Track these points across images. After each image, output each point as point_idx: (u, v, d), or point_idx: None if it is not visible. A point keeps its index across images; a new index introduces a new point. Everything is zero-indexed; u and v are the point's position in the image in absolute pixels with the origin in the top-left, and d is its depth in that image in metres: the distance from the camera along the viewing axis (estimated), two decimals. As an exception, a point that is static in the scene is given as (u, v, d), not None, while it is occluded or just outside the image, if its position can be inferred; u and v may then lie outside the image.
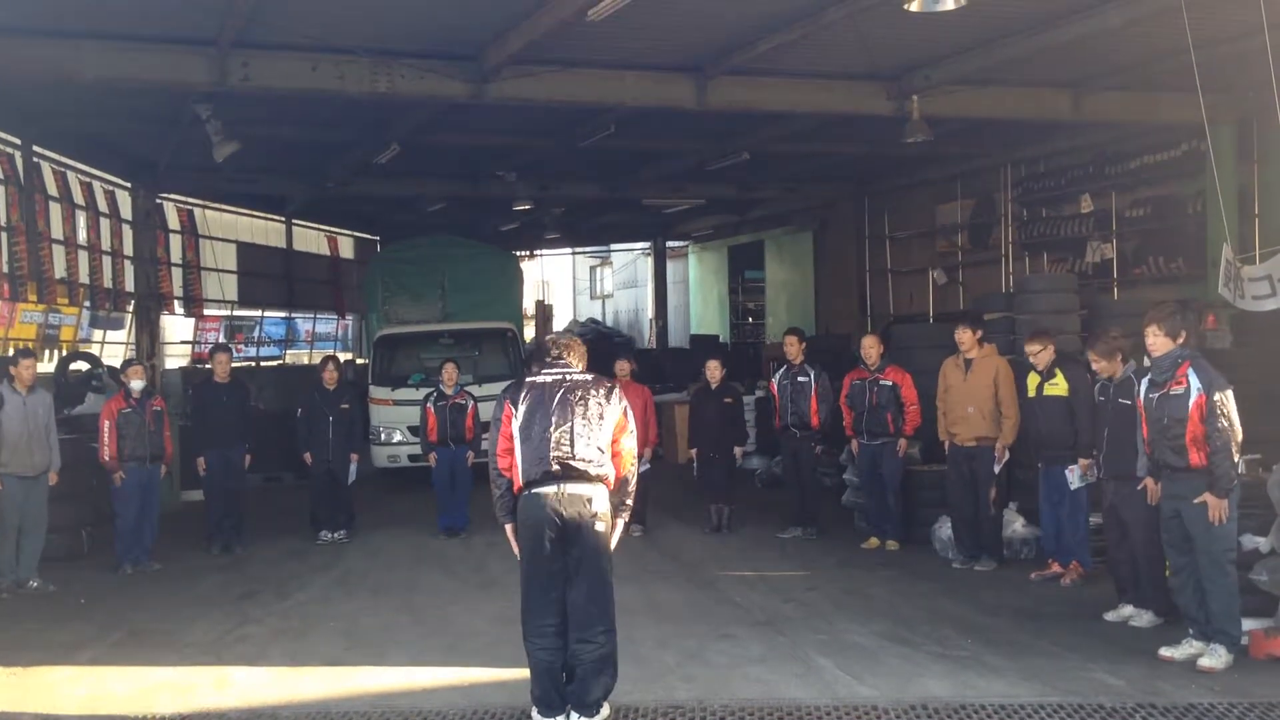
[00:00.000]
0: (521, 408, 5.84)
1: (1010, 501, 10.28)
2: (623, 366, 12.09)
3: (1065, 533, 9.24)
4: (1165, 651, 7.00)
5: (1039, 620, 8.08)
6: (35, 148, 14.60)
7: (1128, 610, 7.96)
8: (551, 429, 5.77)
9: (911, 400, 10.70)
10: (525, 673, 6.13)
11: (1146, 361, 7.30)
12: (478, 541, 11.68)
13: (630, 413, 5.98)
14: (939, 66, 11.77)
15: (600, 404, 5.84)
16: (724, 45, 11.16)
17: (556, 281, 38.86)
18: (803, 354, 11.56)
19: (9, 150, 14.03)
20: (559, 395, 5.83)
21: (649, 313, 32.74)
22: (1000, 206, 17.85)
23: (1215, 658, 6.75)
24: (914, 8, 8.69)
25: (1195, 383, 6.84)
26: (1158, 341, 7.06)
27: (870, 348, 11.02)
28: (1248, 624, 6.99)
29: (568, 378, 5.90)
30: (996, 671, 6.82)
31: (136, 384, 10.76)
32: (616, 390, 5.95)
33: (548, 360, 5.97)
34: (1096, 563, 9.13)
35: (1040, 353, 9.16)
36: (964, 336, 9.97)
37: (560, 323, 30.63)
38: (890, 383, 10.76)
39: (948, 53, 11.48)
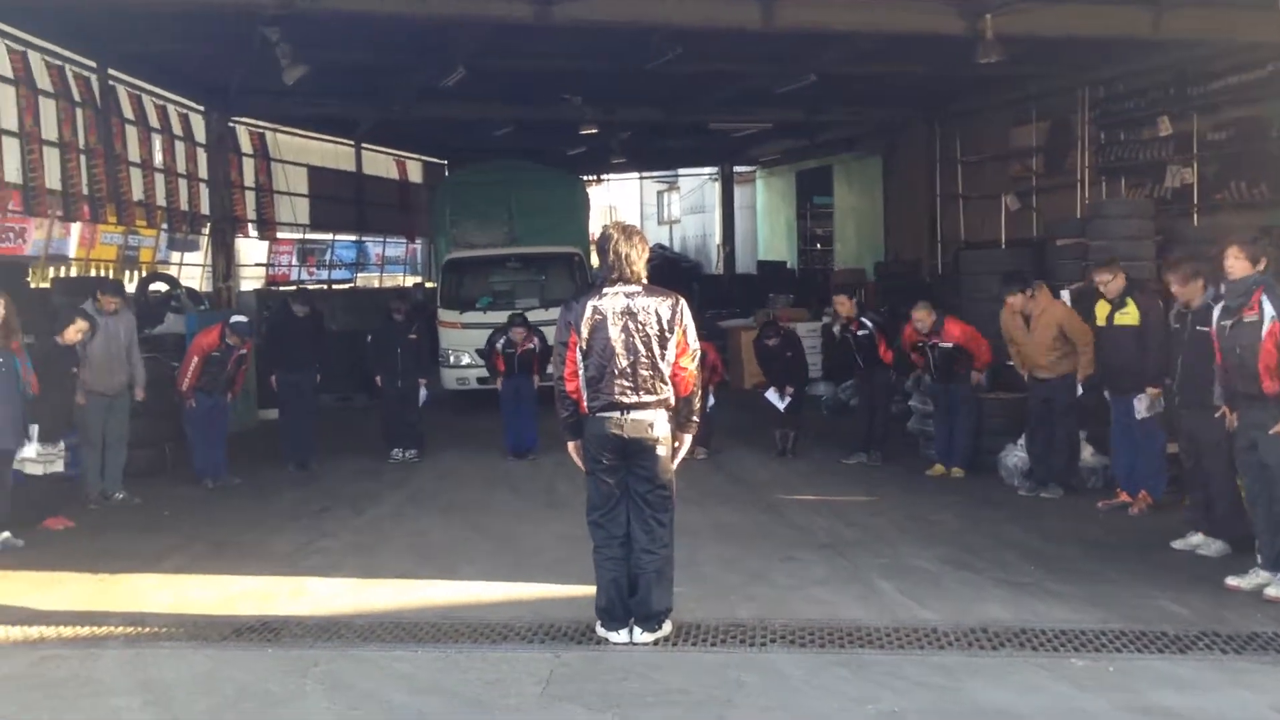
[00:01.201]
0: (585, 331, 5.89)
1: (1080, 430, 10.18)
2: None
3: (1140, 462, 9.15)
4: (1232, 580, 6.95)
5: (1104, 548, 8.05)
6: (111, 71, 14.81)
7: (1196, 539, 7.89)
8: (615, 358, 5.83)
9: (978, 349, 10.60)
10: (590, 590, 6.29)
11: (1224, 289, 7.16)
12: (545, 462, 11.86)
13: (692, 332, 5.99)
14: (1015, -16, 11.48)
15: (662, 327, 5.87)
16: (792, -36, 10.98)
17: (623, 206, 38.75)
18: (854, 308, 11.55)
19: (86, 74, 14.24)
20: (622, 322, 5.86)
21: (716, 238, 32.60)
22: (1076, 129, 17.40)
23: (1282, 587, 6.70)
24: (990, -76, 8.47)
25: (1269, 310, 6.69)
26: (1237, 265, 6.91)
27: (923, 317, 10.69)
28: (1320, 555, 6.91)
29: (631, 300, 5.91)
30: (1059, 598, 6.83)
31: (233, 342, 10.97)
32: (680, 307, 5.94)
33: (613, 276, 5.95)
34: (1166, 492, 9.05)
35: (1110, 282, 8.99)
36: (1014, 301, 9.83)
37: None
38: (950, 345, 10.62)
39: (1023, -31, 11.19)
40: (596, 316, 5.89)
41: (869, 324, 11.40)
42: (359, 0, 10.99)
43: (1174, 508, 8.59)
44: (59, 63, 13.59)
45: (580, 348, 5.90)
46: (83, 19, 12.82)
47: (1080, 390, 9.69)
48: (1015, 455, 10.27)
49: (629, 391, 5.84)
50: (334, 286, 22.92)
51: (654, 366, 5.86)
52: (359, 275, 25.27)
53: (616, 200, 38.24)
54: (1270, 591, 6.71)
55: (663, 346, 5.87)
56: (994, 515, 9.18)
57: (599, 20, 11.64)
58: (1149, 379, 8.75)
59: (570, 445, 6.14)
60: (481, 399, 15.37)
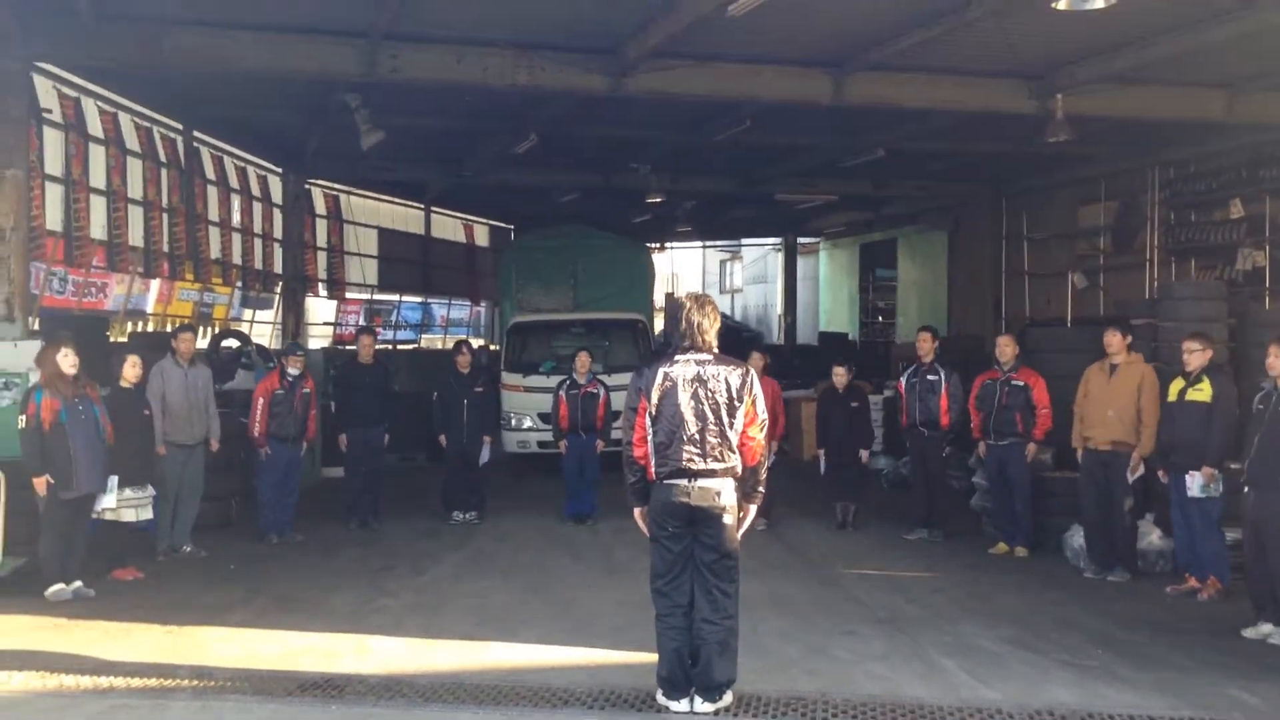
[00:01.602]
0: (655, 396, 5.96)
1: (1147, 513, 10.04)
2: (756, 360, 12.14)
3: (1199, 545, 9.01)
4: (1305, 671, 6.81)
5: (1173, 634, 7.90)
6: (195, 133, 15.32)
7: (1266, 628, 7.73)
8: (684, 425, 5.89)
9: (1043, 403, 10.54)
10: (650, 657, 6.29)
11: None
12: (605, 528, 11.89)
13: (760, 402, 6.04)
14: (1085, 64, 11.54)
15: (731, 396, 5.93)
16: (863, 40, 11.13)
17: (686, 274, 39.01)
18: (934, 352, 11.47)
19: (172, 135, 14.74)
20: (692, 389, 5.93)
21: (778, 308, 32.65)
22: (1146, 209, 17.33)
23: (1359, 680, 6.54)
24: (1061, 6, 8.54)
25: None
26: None
27: (1005, 346, 10.90)
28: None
29: (702, 368, 5.98)
30: (1127, 682, 6.72)
31: (294, 370, 11.25)
32: (750, 378, 6.00)
33: (684, 345, 6.04)
34: (1235, 578, 8.87)
35: (1197, 353, 8.91)
36: (1113, 340, 9.78)
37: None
38: (1022, 383, 10.62)
39: (1094, 50, 11.25)
40: (667, 383, 5.95)
41: (940, 372, 11.36)
42: (439, 69, 11.28)
43: (1244, 594, 8.41)
44: (147, 124, 14.10)
45: (650, 413, 5.96)
46: (171, 83, 13.31)
47: (1139, 469, 9.57)
48: (1080, 536, 10.14)
49: (697, 459, 5.89)
50: (399, 347, 23.25)
51: (722, 434, 5.90)
52: (424, 336, 25.62)
53: (679, 268, 38.52)
54: (1346, 685, 6.55)
55: (731, 415, 5.92)
56: (1058, 596, 9.05)
57: (669, 92, 11.85)
58: (1209, 459, 8.65)
59: (636, 511, 6.18)
60: (541, 463, 15.48)
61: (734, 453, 5.94)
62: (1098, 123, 13.42)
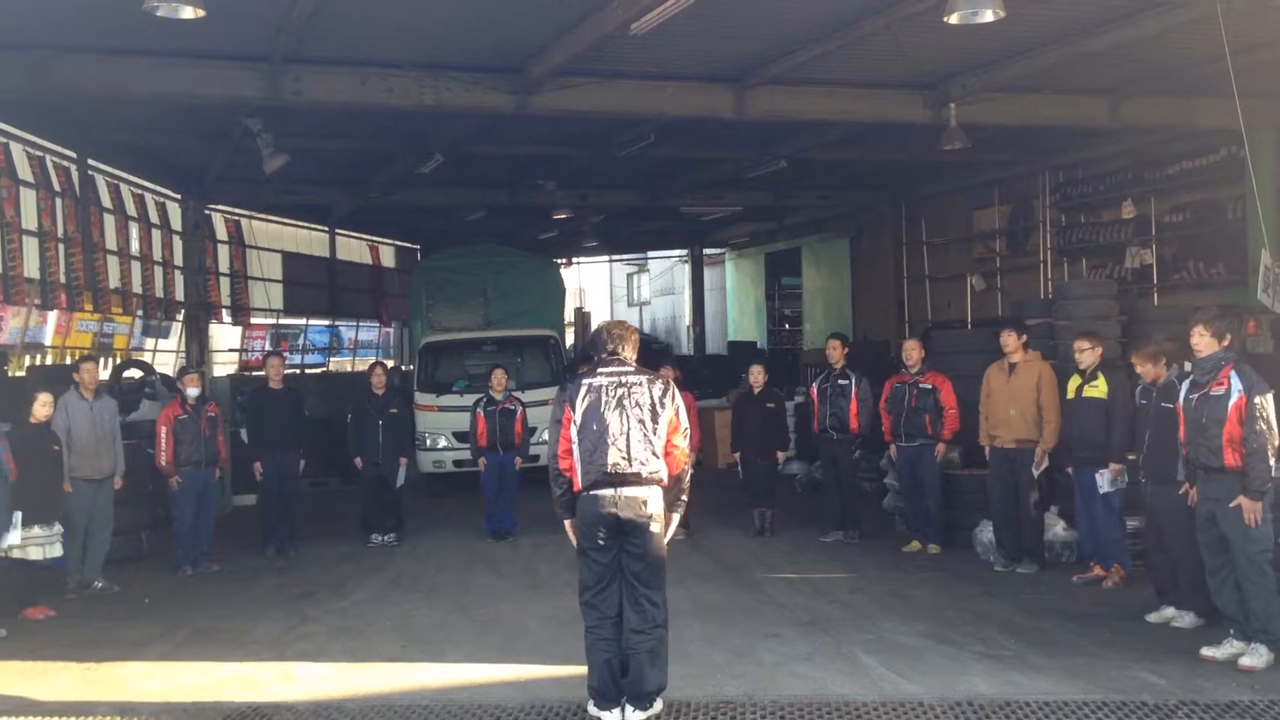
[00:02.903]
0: (579, 408, 6.05)
1: (1051, 505, 10.40)
2: (666, 373, 12.26)
3: (1101, 535, 9.37)
4: (1207, 651, 7.11)
5: (1081, 621, 8.20)
6: (90, 161, 15.00)
7: (1169, 612, 8.06)
8: (608, 433, 5.98)
9: (950, 404, 10.86)
10: (579, 669, 6.36)
11: (1188, 367, 7.43)
12: (525, 544, 11.92)
13: (683, 411, 6.17)
14: (977, 75, 11.90)
15: (654, 405, 6.05)
16: (763, 55, 11.33)
17: (594, 289, 39.11)
18: (844, 359, 11.73)
19: (66, 164, 14.42)
20: (615, 398, 6.03)
21: (686, 319, 32.92)
22: (1038, 212, 17.91)
23: (1256, 657, 6.86)
24: (953, 20, 8.82)
25: (1237, 385, 6.96)
26: (1203, 342, 7.19)
27: (912, 350, 11.20)
28: (1289, 624, 7.09)
29: (623, 378, 6.09)
30: (1040, 670, 6.96)
31: (193, 391, 11.10)
32: (670, 388, 6.13)
33: (604, 356, 6.16)
34: (1136, 565, 9.24)
35: (1087, 351, 9.30)
36: (1009, 340, 10.12)
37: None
38: (930, 386, 10.93)
39: (985, 61, 11.61)
40: (591, 395, 6.05)
41: (850, 377, 11.58)
42: (343, 92, 11.21)
43: (1146, 581, 8.76)
44: (39, 153, 13.77)
45: (575, 425, 6.05)
46: (64, 111, 13.03)
47: (1044, 464, 9.91)
48: (989, 531, 10.45)
49: (622, 464, 5.97)
50: (307, 371, 22.97)
51: (647, 443, 6.01)
52: (332, 359, 25.34)
53: (586, 282, 38.58)
54: (1244, 661, 6.88)
55: (655, 423, 6.03)
56: (971, 590, 9.32)
57: (574, 110, 11.93)
58: (1113, 454, 9.01)
59: (567, 523, 6.25)
60: (457, 483, 15.43)
61: (659, 460, 6.05)
62: (990, 130, 13.85)
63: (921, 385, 10.95)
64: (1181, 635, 7.71)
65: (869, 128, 14.32)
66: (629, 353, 6.17)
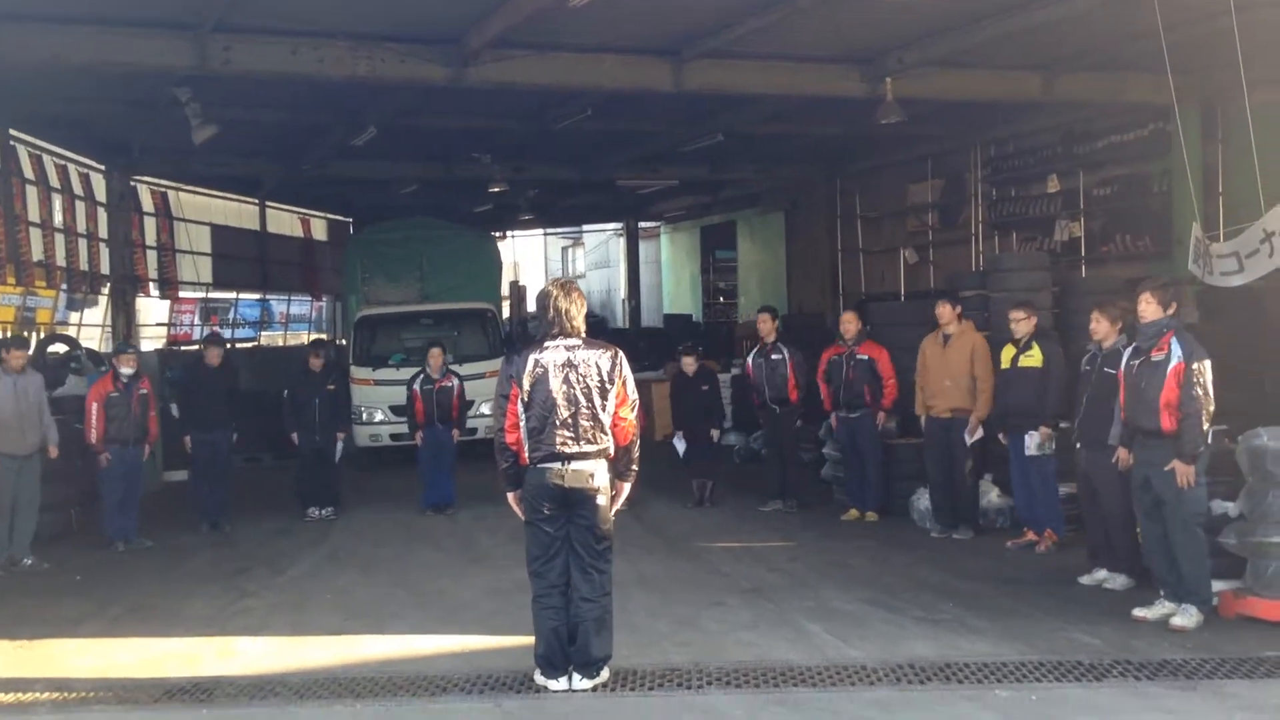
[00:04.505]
0: (526, 383, 6.02)
1: (985, 473, 10.58)
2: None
3: (1036, 501, 9.55)
4: (1139, 612, 7.30)
5: (1017, 585, 8.37)
6: (11, 131, 14.56)
7: (1101, 574, 8.26)
8: (556, 410, 5.96)
9: (889, 374, 10.98)
10: (523, 640, 6.38)
11: (1136, 331, 7.59)
12: (464, 517, 11.88)
13: (631, 384, 6.17)
14: (912, 49, 11.97)
15: (603, 379, 6.03)
16: (700, 29, 11.30)
17: (528, 262, 38.91)
18: (775, 332, 11.81)
19: (-14, 134, 14.00)
20: (563, 374, 6.01)
21: (622, 293, 32.89)
22: (970, 186, 18.12)
23: (1187, 617, 7.05)
24: (891, -7, 8.88)
25: (1177, 350, 7.12)
26: (1149, 309, 7.34)
27: (849, 323, 11.30)
28: (1217, 585, 7.31)
29: (572, 353, 6.06)
30: (979, 633, 7.10)
31: (127, 370, 10.87)
32: (619, 360, 6.12)
33: (553, 331, 6.11)
34: (1069, 529, 9.45)
35: (1023, 321, 9.46)
36: (944, 311, 10.25)
37: (533, 304, 30.67)
38: (867, 357, 11.03)
39: (920, 35, 11.68)
40: (538, 369, 6.02)
41: (783, 350, 11.67)
42: (274, 61, 10.98)
43: (1078, 545, 8.97)
44: (-42, 123, 13.35)
45: (522, 400, 6.02)
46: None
47: (978, 434, 10.07)
48: (926, 499, 10.61)
49: (570, 442, 5.97)
50: (237, 345, 22.57)
51: (594, 417, 6.00)
52: (263, 334, 24.95)
53: (520, 256, 38.35)
54: (1175, 621, 7.06)
55: (603, 397, 6.02)
56: (909, 557, 9.47)
57: (511, 82, 11.81)
58: (1043, 419, 9.18)
59: (510, 496, 6.24)
60: (393, 457, 15.31)
61: (606, 434, 6.06)
62: (925, 104, 13.97)
63: (858, 356, 11.05)
64: (1114, 597, 7.90)
65: (805, 102, 14.38)
66: (578, 322, 6.13)
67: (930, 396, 10.30)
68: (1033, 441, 9.24)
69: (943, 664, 6.46)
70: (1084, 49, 12.21)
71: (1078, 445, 8.44)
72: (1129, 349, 7.57)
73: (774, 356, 11.69)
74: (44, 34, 10.23)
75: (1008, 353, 9.57)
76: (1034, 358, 9.33)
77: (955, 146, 17.89)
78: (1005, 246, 16.99)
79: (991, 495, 10.52)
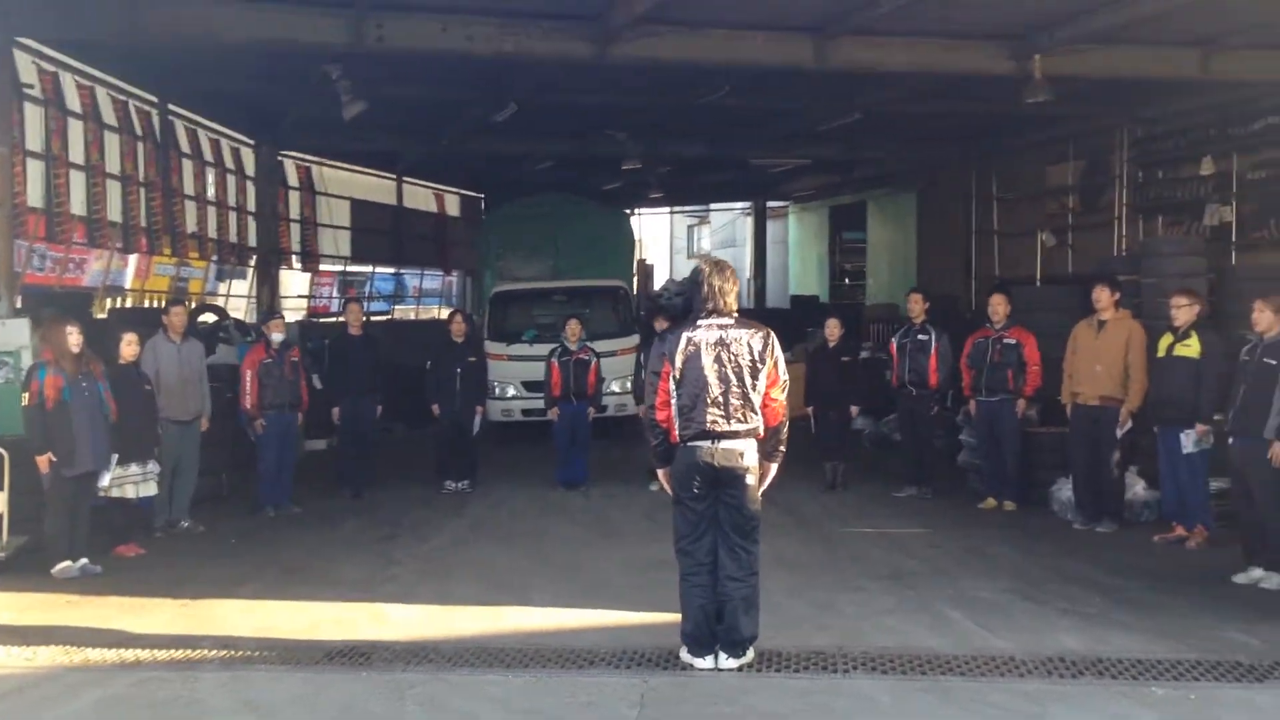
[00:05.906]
0: (678, 361, 6.07)
1: (1131, 464, 10.30)
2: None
3: (1186, 496, 9.27)
4: (1299, 613, 7.06)
5: (1166, 581, 8.15)
6: (170, 106, 15.15)
7: (1257, 573, 7.99)
8: (707, 390, 6.00)
9: (1034, 360, 10.75)
10: (666, 616, 6.45)
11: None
12: (596, 494, 12.04)
13: (782, 364, 6.17)
14: (1064, 25, 11.60)
15: (754, 359, 6.05)
16: (846, 5, 11.15)
17: (654, 240, 39.01)
18: (925, 313, 11.65)
19: (147, 109, 14.58)
20: (715, 353, 6.04)
21: (747, 272, 32.75)
22: (1114, 168, 17.54)
23: (1351, 620, 6.79)
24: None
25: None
26: None
27: (998, 305, 11.08)
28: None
29: (724, 332, 6.09)
30: (1128, 629, 6.94)
31: (277, 336, 11.25)
32: (771, 341, 6.13)
33: (706, 308, 6.14)
34: (1220, 526, 9.15)
35: (1185, 308, 9.16)
36: (1102, 295, 9.97)
37: (659, 281, 30.76)
38: (1014, 341, 10.82)
39: (1074, 11, 11.32)
40: (690, 348, 6.07)
41: (930, 332, 11.51)
42: (424, 39, 11.20)
43: (1230, 542, 8.68)
44: (123, 98, 13.92)
45: (674, 377, 6.07)
46: (147, 56, 13.14)
47: (1127, 425, 9.79)
48: (1068, 489, 10.38)
49: (721, 420, 6.01)
50: (373, 318, 23.15)
51: (745, 396, 6.03)
52: (396, 308, 25.53)
53: (646, 234, 38.49)
54: (1340, 625, 6.81)
55: (754, 377, 6.04)
56: (1052, 548, 9.28)
57: (655, 59, 11.83)
58: (1201, 414, 8.88)
59: (661, 473, 6.31)
60: (525, 432, 15.52)
61: (756, 414, 6.07)
62: (1073, 83, 13.55)
63: (1006, 340, 10.84)
64: (1271, 597, 7.65)
65: (947, 80, 14.06)
66: (730, 300, 6.15)
67: (1078, 384, 10.05)
68: (1189, 440, 8.96)
69: (1093, 659, 6.34)
70: (1245, 25, 11.67)
71: (1230, 439, 8.16)
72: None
73: (920, 337, 11.55)
74: (200, 9, 10.59)
75: (1164, 341, 9.28)
76: (1191, 347, 9.04)
77: (1099, 127, 17.33)
78: (1150, 231, 16.41)
79: (1137, 488, 10.24)
